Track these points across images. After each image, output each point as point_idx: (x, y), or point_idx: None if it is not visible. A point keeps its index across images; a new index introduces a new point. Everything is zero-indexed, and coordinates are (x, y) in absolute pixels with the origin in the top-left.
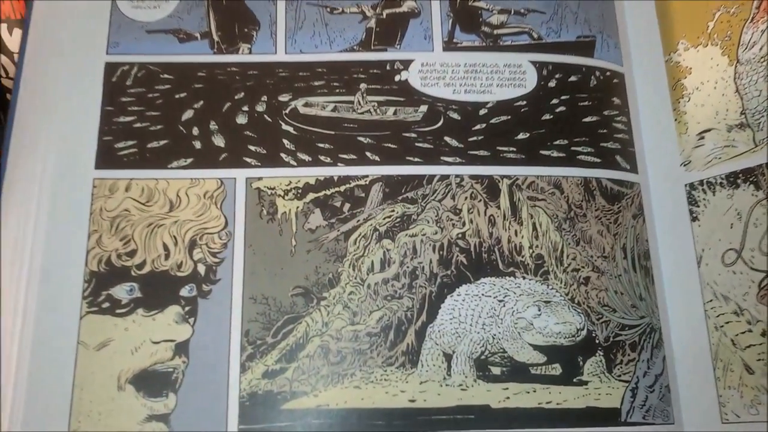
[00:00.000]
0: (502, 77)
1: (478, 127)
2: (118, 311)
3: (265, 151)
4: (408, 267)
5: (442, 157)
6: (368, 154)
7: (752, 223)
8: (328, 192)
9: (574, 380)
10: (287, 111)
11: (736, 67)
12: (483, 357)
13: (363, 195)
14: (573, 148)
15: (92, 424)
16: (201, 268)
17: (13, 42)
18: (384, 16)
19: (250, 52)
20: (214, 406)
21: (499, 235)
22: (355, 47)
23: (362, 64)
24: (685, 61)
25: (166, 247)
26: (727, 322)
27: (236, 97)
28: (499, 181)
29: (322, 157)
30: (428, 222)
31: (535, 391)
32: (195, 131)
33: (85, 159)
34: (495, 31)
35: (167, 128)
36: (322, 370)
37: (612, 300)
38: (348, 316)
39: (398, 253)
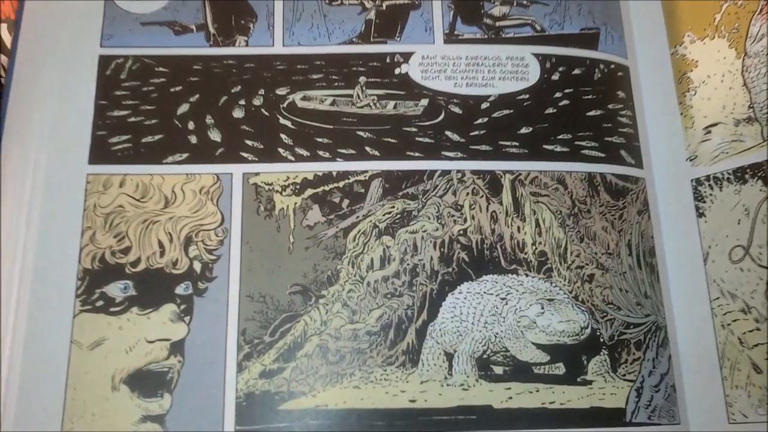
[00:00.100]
0: (505, 70)
1: (479, 121)
2: (112, 309)
3: (262, 146)
4: (408, 264)
5: (443, 152)
6: (368, 148)
7: (760, 219)
8: (326, 188)
9: (578, 380)
10: (285, 105)
11: (743, 59)
12: (485, 356)
13: (362, 191)
14: (577, 143)
15: (86, 425)
16: (197, 266)
17: None
18: (384, 7)
19: (247, 45)
20: (211, 407)
21: (501, 231)
22: (354, 39)
23: (361, 56)
24: (691, 53)
25: (161, 244)
26: (735, 320)
27: (233, 91)
28: (501, 177)
29: (320, 152)
30: (429, 218)
31: (538, 391)
32: (191, 125)
33: (78, 154)
34: (497, 23)
35: (162, 122)
36: (321, 369)
37: (617, 298)
38: (347, 315)
39: (398, 250)
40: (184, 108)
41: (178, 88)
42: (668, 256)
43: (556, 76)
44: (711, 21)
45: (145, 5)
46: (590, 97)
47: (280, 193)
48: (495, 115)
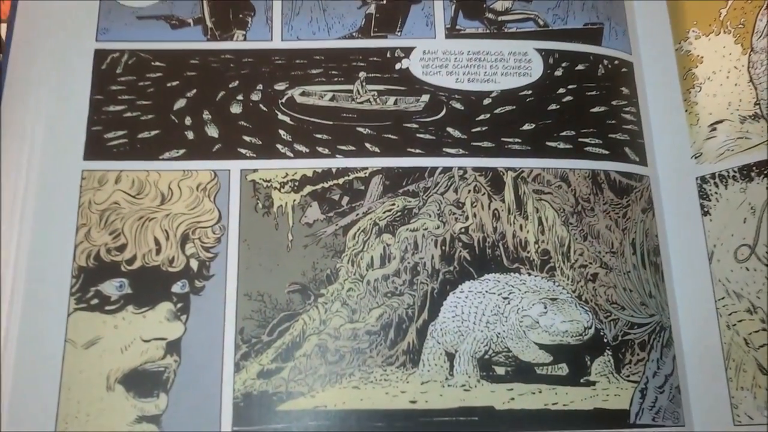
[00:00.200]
0: (507, 65)
1: (481, 117)
2: (107, 308)
3: (260, 142)
4: (409, 263)
5: (444, 149)
6: (368, 145)
7: (766, 217)
8: (326, 185)
9: (582, 381)
10: (283, 100)
11: (750, 55)
12: (487, 356)
13: (362, 188)
14: (580, 140)
15: (80, 425)
16: (194, 264)
17: None
18: (384, 1)
19: (245, 39)
20: (207, 407)
21: (503, 229)
22: (354, 34)
23: (361, 51)
24: (696, 49)
25: (157, 242)
26: (740, 321)
27: (230, 86)
28: (503, 174)
29: (319, 149)
30: (430, 216)
31: (540, 392)
32: (187, 121)
33: (73, 150)
34: (499, 18)
35: (159, 118)
36: (320, 369)
37: (621, 297)
38: (347, 314)
39: (399, 248)
40: (180, 103)
41: (174, 83)
42: (673, 256)
43: (559, 72)
44: (716, 16)
45: None
46: (594, 93)
47: (279, 190)
48: (497, 111)
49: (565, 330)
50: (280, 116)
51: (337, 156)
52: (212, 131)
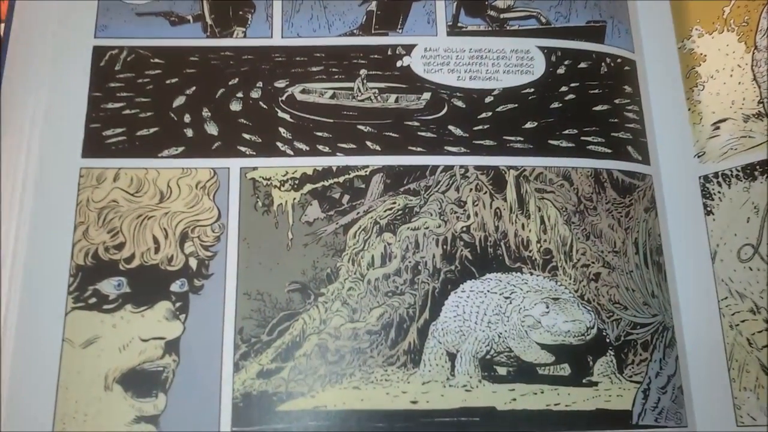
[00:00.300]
0: (509, 63)
1: (483, 115)
2: (105, 307)
3: (260, 140)
4: (410, 262)
5: (445, 147)
6: (368, 143)
7: None
8: (326, 183)
9: (584, 381)
10: (284, 98)
11: (753, 53)
12: (488, 356)
13: (363, 186)
14: (583, 138)
15: (77, 426)
16: (193, 262)
17: None
18: None
19: (245, 36)
20: (206, 407)
21: (505, 228)
22: (355, 31)
23: (362, 48)
24: (699, 47)
25: (156, 240)
26: (743, 321)
27: (230, 83)
28: (505, 172)
29: (320, 147)
30: (431, 215)
31: (542, 393)
32: (187, 118)
33: (71, 147)
34: (501, 15)
35: (157, 115)
36: (320, 369)
37: (623, 297)
38: (347, 313)
39: (400, 247)
40: (180, 100)
41: (174, 80)
42: (675, 255)
43: (561, 70)
44: (720, 14)
45: None
46: (596, 91)
47: (279, 189)
48: (499, 109)
49: (568, 330)
50: (280, 114)
51: (338, 154)
52: (212, 129)
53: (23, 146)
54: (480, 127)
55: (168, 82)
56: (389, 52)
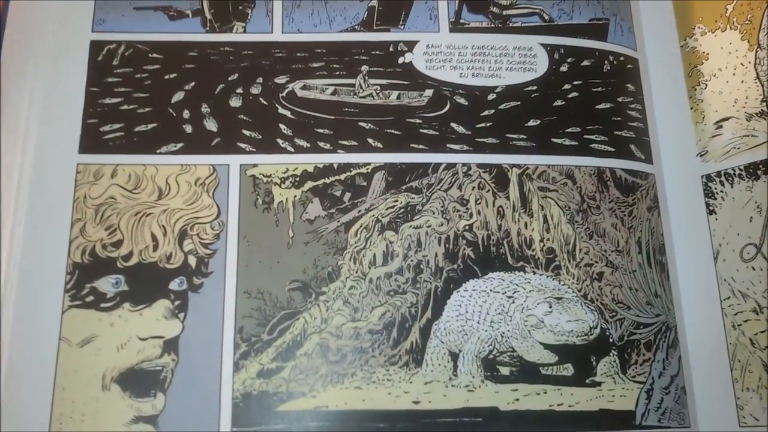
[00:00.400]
0: (512, 60)
1: (486, 113)
2: (102, 305)
3: (260, 137)
4: (412, 260)
5: (448, 145)
6: (370, 140)
7: None
8: (327, 180)
9: (587, 381)
10: (284, 94)
11: (756, 52)
12: (491, 356)
13: (364, 184)
14: (586, 137)
15: (75, 426)
16: (192, 260)
17: None
18: None
19: (245, 31)
20: (206, 407)
21: (508, 227)
22: (356, 27)
23: (364, 45)
24: (701, 46)
25: (154, 238)
26: (746, 321)
27: (230, 79)
28: (508, 171)
29: (321, 144)
30: (433, 213)
31: (545, 393)
32: (186, 114)
33: (68, 143)
34: (504, 12)
35: (156, 111)
36: (321, 369)
37: (626, 297)
38: (348, 313)
39: (402, 245)
40: (178, 96)
41: (172, 76)
42: (678, 255)
43: (564, 68)
44: (723, 12)
45: None
46: (599, 89)
47: (279, 186)
48: (502, 106)
49: (571, 330)
50: (281, 110)
51: (339, 151)
52: (211, 125)
53: (19, 142)
54: (482, 124)
55: (167, 77)
56: (391, 49)
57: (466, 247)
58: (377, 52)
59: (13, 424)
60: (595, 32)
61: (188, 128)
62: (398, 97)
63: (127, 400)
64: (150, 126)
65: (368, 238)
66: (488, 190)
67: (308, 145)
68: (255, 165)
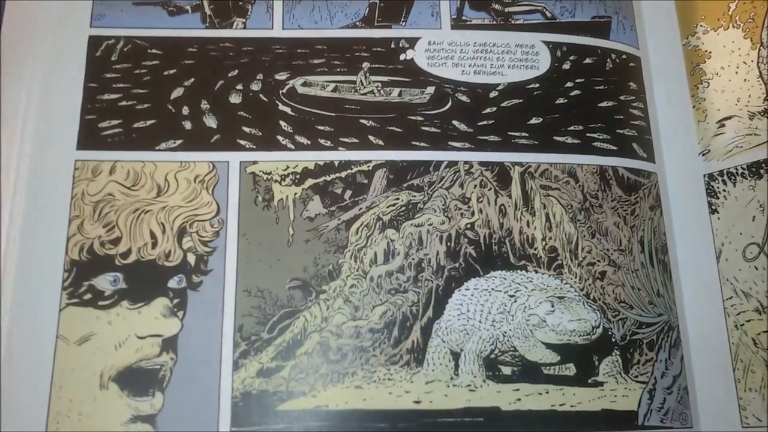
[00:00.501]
0: (514, 58)
1: (488, 110)
2: (100, 303)
3: (260, 133)
4: (413, 259)
5: (449, 142)
6: (371, 137)
7: None
8: (328, 178)
9: (589, 381)
10: (284, 90)
11: (759, 50)
12: (493, 356)
13: (365, 181)
14: (588, 135)
15: (72, 425)
16: (191, 258)
17: None
18: None
19: (245, 27)
20: (205, 407)
21: (510, 225)
22: (357, 23)
23: (365, 41)
24: (704, 44)
25: (153, 235)
26: (748, 321)
27: (230, 75)
28: (510, 169)
29: (321, 141)
30: (435, 211)
31: (547, 393)
32: (185, 111)
33: (66, 139)
34: (506, 9)
35: (155, 107)
36: (321, 368)
37: (629, 296)
38: (349, 311)
39: (403, 244)
40: (178, 92)
41: (171, 72)
42: (680, 254)
43: (567, 65)
44: (725, 11)
45: None
46: (602, 87)
47: (280, 183)
48: (504, 104)
49: (573, 329)
50: (281, 107)
51: (340, 148)
52: (210, 121)
53: (17, 137)
54: (484, 122)
55: (166, 73)
56: (392, 45)
57: (468, 245)
58: (378, 49)
59: (10, 423)
60: (598, 30)
61: (187, 125)
62: (400, 95)
63: (125, 399)
64: (149, 122)
65: (369, 236)
66: (490, 188)
67: (309, 142)
68: (255, 162)
